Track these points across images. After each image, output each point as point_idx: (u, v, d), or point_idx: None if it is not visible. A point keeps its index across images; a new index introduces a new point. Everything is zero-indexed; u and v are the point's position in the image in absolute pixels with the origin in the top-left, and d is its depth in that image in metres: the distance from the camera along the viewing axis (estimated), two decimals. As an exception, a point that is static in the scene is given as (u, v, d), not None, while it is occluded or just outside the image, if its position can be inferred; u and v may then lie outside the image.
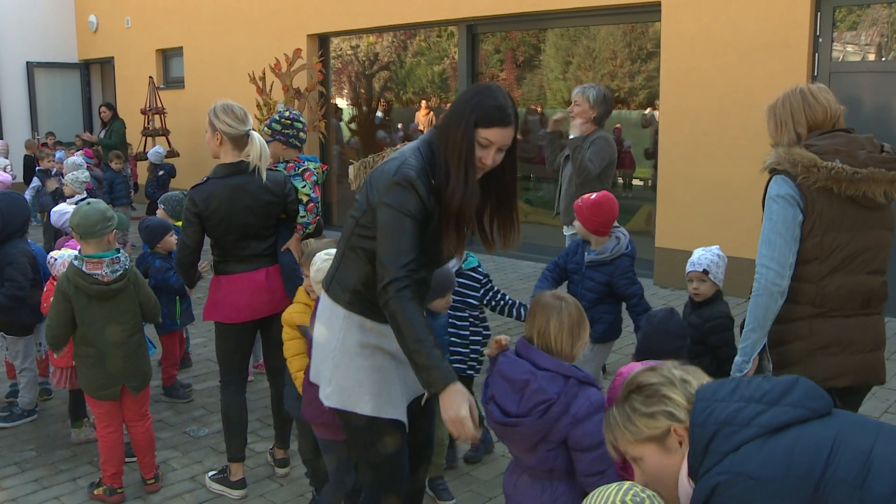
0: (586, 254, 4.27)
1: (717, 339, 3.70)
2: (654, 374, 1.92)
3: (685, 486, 1.81)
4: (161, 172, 11.46)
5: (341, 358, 2.71)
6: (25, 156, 13.73)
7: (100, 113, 14.10)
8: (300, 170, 4.43)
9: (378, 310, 2.59)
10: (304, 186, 4.38)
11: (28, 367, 4.99)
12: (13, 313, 4.76)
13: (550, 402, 2.50)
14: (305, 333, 3.43)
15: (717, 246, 3.94)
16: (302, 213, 4.29)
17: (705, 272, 3.77)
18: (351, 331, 2.71)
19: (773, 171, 2.88)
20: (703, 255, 3.83)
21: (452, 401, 2.39)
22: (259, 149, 3.91)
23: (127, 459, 4.12)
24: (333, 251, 3.17)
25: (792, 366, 2.89)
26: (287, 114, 4.53)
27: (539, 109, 9.99)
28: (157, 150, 11.68)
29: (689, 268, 3.82)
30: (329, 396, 2.74)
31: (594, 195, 4.22)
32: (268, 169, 4.13)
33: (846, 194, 2.78)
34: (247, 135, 3.91)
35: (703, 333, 3.71)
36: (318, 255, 3.39)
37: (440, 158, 2.57)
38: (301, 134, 4.51)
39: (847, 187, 2.76)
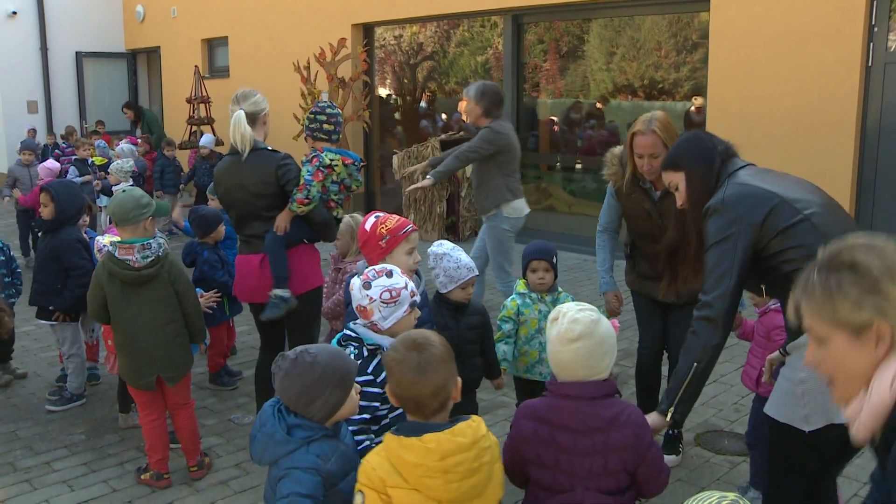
0: None
1: (488, 330, 3.78)
2: (875, 258, 1.62)
3: (884, 391, 1.55)
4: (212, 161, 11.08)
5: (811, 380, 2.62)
6: (44, 145, 13.33)
7: (125, 114, 14.25)
8: (311, 156, 4.37)
9: None
10: (306, 172, 4.30)
11: (75, 352, 5.07)
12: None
13: None
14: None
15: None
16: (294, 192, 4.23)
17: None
18: None
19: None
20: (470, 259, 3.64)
21: None
22: (232, 127, 4.08)
23: (172, 446, 4.16)
24: None
25: None
26: (314, 107, 4.50)
27: (582, 100, 9.89)
28: (209, 137, 11.38)
29: (467, 274, 3.56)
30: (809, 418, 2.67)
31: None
32: (270, 150, 4.21)
33: None
34: None
35: (483, 326, 3.74)
36: None
37: None
38: (325, 126, 4.38)
39: None
